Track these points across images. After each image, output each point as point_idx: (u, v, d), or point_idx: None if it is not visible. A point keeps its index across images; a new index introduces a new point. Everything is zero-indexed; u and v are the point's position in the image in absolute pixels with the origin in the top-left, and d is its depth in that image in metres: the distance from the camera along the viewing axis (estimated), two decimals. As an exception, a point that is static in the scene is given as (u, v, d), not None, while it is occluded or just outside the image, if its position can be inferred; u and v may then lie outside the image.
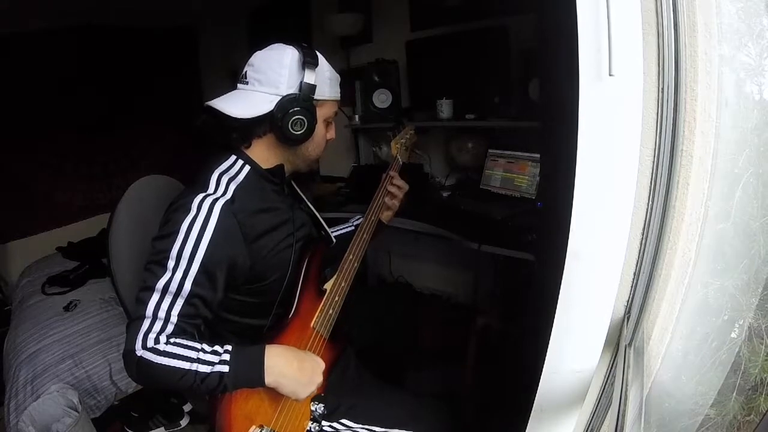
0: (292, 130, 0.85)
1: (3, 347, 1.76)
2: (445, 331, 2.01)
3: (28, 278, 2.21)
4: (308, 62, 0.84)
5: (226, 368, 0.74)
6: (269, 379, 0.76)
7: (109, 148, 2.82)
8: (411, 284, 2.45)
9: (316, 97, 0.87)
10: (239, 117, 0.84)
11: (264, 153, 0.91)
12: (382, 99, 2.14)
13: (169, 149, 2.92)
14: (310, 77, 0.84)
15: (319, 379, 0.83)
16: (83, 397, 1.45)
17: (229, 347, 0.76)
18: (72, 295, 1.94)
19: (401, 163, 1.22)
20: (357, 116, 2.32)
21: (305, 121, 0.85)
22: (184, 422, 1.61)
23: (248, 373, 0.76)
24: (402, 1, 2.14)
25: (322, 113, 0.91)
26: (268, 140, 0.90)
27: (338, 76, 0.94)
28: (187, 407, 1.63)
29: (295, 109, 0.84)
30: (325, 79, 0.89)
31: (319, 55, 0.88)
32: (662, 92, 0.57)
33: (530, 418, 0.71)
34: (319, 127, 0.91)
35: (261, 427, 0.82)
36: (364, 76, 2.18)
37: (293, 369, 0.79)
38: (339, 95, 0.95)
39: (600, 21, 0.54)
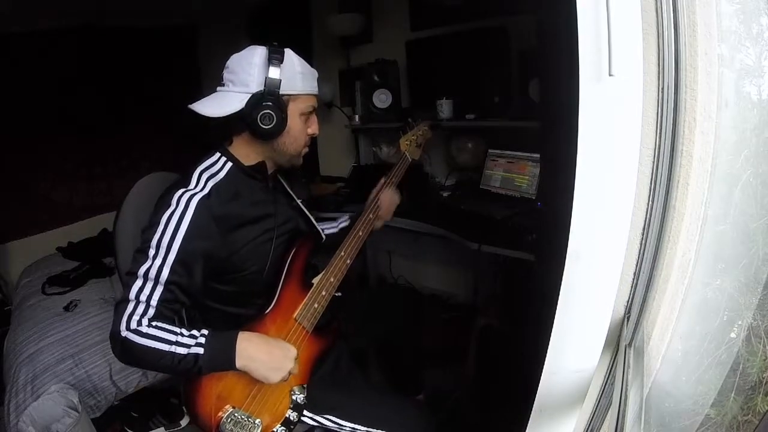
0: (261, 125, 0.88)
1: (3, 347, 1.76)
2: (445, 331, 2.01)
3: (28, 278, 2.21)
4: (273, 59, 0.87)
5: (201, 350, 0.79)
6: (240, 362, 0.81)
7: (109, 148, 2.82)
8: (411, 284, 2.45)
9: (285, 91, 0.89)
10: (211, 116, 0.88)
11: (244, 150, 0.95)
12: (382, 99, 2.14)
13: (169, 149, 2.91)
14: (274, 73, 0.87)
15: (289, 364, 0.86)
16: (83, 397, 1.45)
17: (205, 332, 0.82)
18: (72, 295, 1.94)
19: (410, 160, 1.21)
20: (357, 116, 2.32)
21: (273, 115, 0.88)
22: (184, 422, 1.61)
23: (220, 355, 0.81)
24: (402, 1, 2.14)
25: (296, 108, 0.93)
26: (246, 137, 0.94)
27: (314, 71, 0.96)
28: (187, 407, 1.63)
29: (263, 104, 0.87)
30: (294, 74, 0.90)
31: (289, 52, 0.90)
32: (662, 92, 0.56)
33: (530, 418, 0.71)
34: (295, 121, 0.93)
35: (234, 408, 0.86)
36: (364, 76, 2.18)
37: (262, 353, 0.84)
38: (315, 89, 0.96)
39: (600, 21, 0.54)
